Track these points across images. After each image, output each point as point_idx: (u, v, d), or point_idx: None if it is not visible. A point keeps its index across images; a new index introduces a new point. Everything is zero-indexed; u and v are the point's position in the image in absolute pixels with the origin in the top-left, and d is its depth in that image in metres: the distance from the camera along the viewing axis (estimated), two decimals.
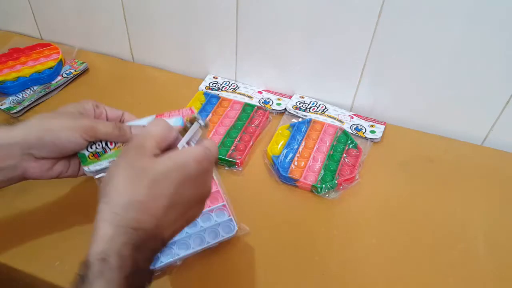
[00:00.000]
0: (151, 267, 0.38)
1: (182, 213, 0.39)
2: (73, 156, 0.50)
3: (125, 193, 0.36)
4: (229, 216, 0.54)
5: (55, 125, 0.46)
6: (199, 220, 0.54)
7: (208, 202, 0.56)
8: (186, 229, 0.53)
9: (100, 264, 0.33)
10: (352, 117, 0.73)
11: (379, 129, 0.71)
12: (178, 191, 0.38)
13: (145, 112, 0.51)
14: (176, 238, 0.52)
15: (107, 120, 0.51)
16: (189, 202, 0.39)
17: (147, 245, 0.36)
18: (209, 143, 0.41)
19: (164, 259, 0.50)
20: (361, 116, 0.74)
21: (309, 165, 0.64)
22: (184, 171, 0.38)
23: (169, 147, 0.40)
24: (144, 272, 0.37)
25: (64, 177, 0.51)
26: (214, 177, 0.57)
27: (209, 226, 0.53)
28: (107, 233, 0.35)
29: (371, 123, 0.72)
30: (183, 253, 0.51)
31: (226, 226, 0.54)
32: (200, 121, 0.42)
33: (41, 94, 0.75)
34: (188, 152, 0.39)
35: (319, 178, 0.61)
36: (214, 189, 0.57)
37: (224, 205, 0.56)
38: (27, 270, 0.50)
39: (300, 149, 0.66)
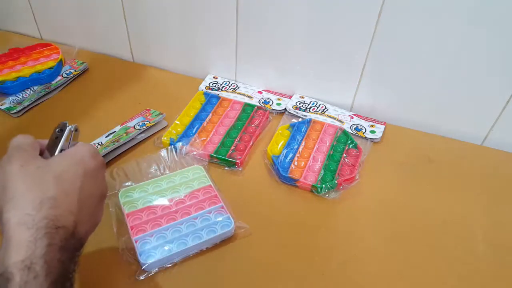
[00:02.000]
0: (75, 268, 0.35)
1: (92, 210, 0.38)
2: None
3: (32, 193, 0.34)
4: (227, 214, 0.55)
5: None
6: (197, 220, 0.54)
7: (206, 205, 0.56)
8: (183, 228, 0.53)
9: (24, 273, 0.30)
10: (352, 117, 0.73)
11: (379, 129, 0.71)
12: (84, 185, 0.37)
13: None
14: (174, 236, 0.52)
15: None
16: (95, 198, 0.39)
17: (70, 244, 0.34)
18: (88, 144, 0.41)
19: (161, 255, 0.50)
20: (361, 116, 0.74)
21: (309, 165, 0.64)
22: (84, 165, 0.38)
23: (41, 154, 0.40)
24: (71, 274, 0.34)
25: None
26: (210, 182, 0.60)
27: (207, 225, 0.54)
28: (25, 238, 0.31)
29: (371, 123, 0.72)
30: (181, 248, 0.51)
31: (224, 224, 0.54)
32: (71, 126, 0.43)
33: (41, 94, 0.75)
34: (81, 148, 0.40)
35: (319, 178, 0.61)
36: (212, 193, 0.58)
37: (222, 207, 0.56)
38: None
39: (300, 149, 0.66)
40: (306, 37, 0.69)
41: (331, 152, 0.66)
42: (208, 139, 0.68)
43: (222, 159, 0.64)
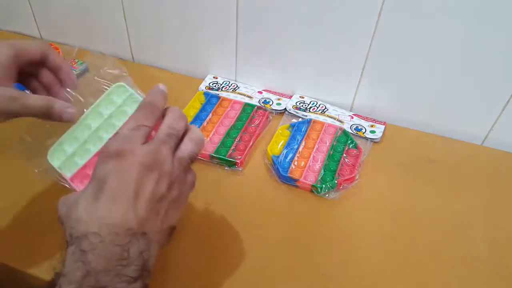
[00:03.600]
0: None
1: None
2: None
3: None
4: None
5: None
6: None
7: None
8: None
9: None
10: (352, 117, 0.73)
11: (379, 129, 0.71)
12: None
13: None
14: None
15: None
16: None
17: None
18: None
19: None
20: (361, 116, 0.74)
21: (309, 165, 0.64)
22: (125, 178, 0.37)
23: None
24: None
25: None
26: (142, 96, 0.48)
27: None
28: None
29: (371, 123, 0.72)
30: None
31: None
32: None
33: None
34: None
35: (319, 178, 0.61)
36: None
37: None
38: (27, 270, 0.50)
39: (300, 149, 0.66)
40: (306, 37, 0.69)
41: (331, 152, 0.66)
42: (208, 139, 0.68)
43: (222, 159, 0.64)
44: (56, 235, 0.54)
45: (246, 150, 0.66)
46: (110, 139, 0.40)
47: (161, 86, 0.44)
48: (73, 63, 0.83)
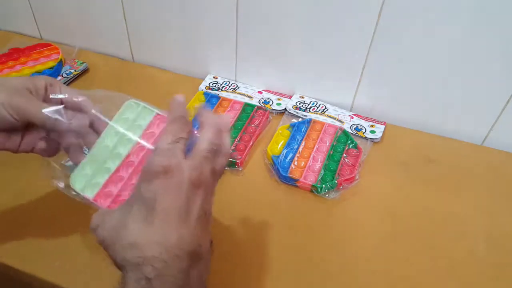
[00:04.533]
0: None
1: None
2: (16, 130, 0.45)
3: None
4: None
5: None
6: None
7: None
8: None
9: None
10: (352, 117, 0.73)
11: (379, 129, 0.71)
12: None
13: None
14: None
15: (61, 103, 0.45)
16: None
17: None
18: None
19: None
20: (361, 116, 0.74)
21: (309, 165, 0.64)
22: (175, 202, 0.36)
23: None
24: None
25: (3, 149, 0.45)
26: (155, 110, 0.47)
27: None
28: None
29: (371, 123, 0.72)
30: None
31: None
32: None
33: None
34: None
35: (319, 178, 0.61)
36: (166, 120, 0.46)
37: None
38: (27, 270, 0.50)
39: (300, 149, 0.66)
40: (306, 37, 0.69)
41: (331, 152, 0.66)
42: None
43: None
44: (56, 235, 0.54)
45: (246, 150, 0.66)
46: (151, 156, 0.37)
47: (181, 97, 0.43)
48: (73, 63, 0.83)
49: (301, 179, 0.61)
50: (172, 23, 0.78)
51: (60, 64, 0.81)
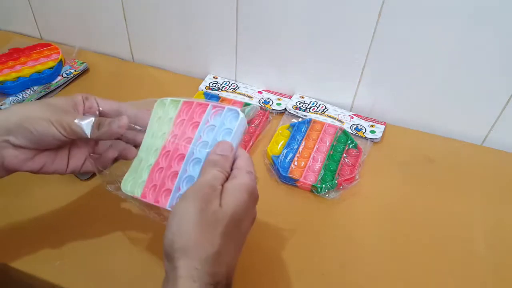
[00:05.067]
0: None
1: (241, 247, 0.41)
2: (62, 150, 0.47)
3: (202, 246, 0.36)
4: (223, 108, 0.47)
5: (35, 114, 0.43)
6: (204, 136, 0.46)
7: (196, 117, 0.48)
8: (197, 152, 0.45)
9: None
10: (352, 117, 0.73)
11: (379, 129, 0.71)
12: (245, 227, 0.40)
13: None
14: (196, 166, 0.45)
15: (99, 114, 0.48)
16: (247, 234, 0.41)
17: None
18: (245, 162, 0.42)
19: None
20: (361, 116, 0.74)
21: (309, 165, 0.64)
22: (243, 209, 0.39)
23: None
24: None
25: (50, 173, 0.47)
26: (181, 99, 0.50)
27: (216, 131, 0.46)
28: None
29: (371, 123, 0.72)
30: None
31: (232, 118, 0.47)
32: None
33: (41, 94, 0.75)
34: (243, 186, 0.40)
35: (319, 178, 0.61)
36: (193, 106, 0.49)
37: (214, 106, 0.47)
38: (27, 270, 0.50)
39: (300, 149, 0.66)
40: (306, 37, 0.69)
41: (331, 152, 0.66)
42: None
43: None
44: (56, 235, 0.54)
45: (246, 150, 0.66)
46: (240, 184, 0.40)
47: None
48: (73, 63, 0.83)
49: (301, 179, 0.61)
50: (172, 23, 0.78)
51: (60, 64, 0.81)
